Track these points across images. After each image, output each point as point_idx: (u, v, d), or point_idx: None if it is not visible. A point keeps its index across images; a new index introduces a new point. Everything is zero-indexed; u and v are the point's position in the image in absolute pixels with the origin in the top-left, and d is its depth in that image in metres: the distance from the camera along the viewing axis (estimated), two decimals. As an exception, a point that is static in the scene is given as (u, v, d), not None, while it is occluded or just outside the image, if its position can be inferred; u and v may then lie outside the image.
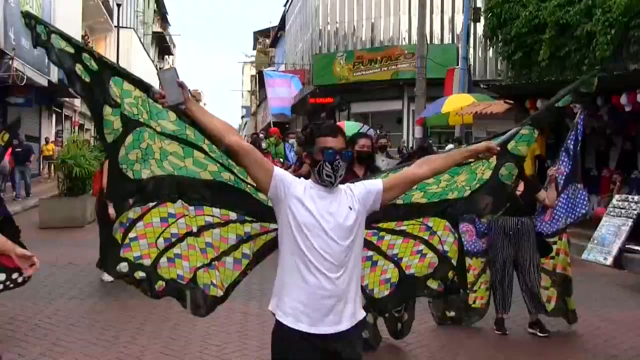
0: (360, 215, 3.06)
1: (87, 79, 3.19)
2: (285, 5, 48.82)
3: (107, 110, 3.25)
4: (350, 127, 18.11)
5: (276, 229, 3.20)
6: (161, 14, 59.65)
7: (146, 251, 3.39)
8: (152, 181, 3.34)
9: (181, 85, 2.97)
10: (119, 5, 27.31)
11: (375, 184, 3.15)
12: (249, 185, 3.37)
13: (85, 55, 3.18)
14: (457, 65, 20.67)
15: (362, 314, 3.08)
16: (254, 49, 66.36)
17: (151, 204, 3.38)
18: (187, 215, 3.42)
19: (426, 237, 3.80)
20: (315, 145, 3.04)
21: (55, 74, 24.57)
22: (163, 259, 3.42)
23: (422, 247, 3.81)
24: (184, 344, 5.84)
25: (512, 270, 6.44)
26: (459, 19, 25.48)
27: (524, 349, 6.14)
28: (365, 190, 3.11)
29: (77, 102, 31.72)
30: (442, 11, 29.62)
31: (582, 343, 6.35)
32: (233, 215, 3.46)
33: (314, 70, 31.69)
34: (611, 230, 10.39)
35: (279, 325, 2.98)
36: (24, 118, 24.61)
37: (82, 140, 17.15)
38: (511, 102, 14.30)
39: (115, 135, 3.27)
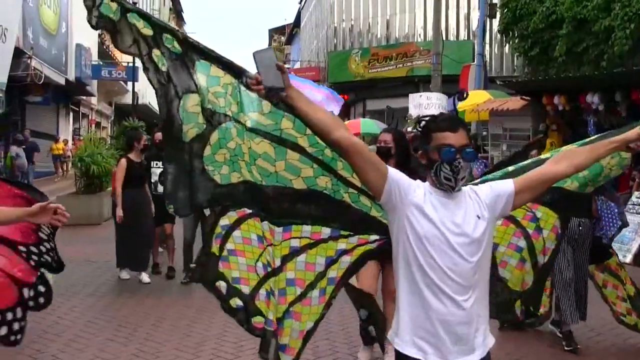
0: (489, 225, 2.59)
1: (164, 67, 2.80)
2: (300, 3, 48.83)
3: (191, 100, 2.85)
4: (366, 124, 18.12)
5: (377, 240, 2.92)
6: (176, 12, 59.85)
7: (245, 274, 2.98)
8: (244, 185, 2.92)
9: (280, 69, 2.58)
10: (134, 4, 27.39)
11: (505, 186, 2.66)
12: (350, 190, 2.96)
13: (167, 36, 2.79)
14: (473, 61, 20.56)
15: (492, 340, 2.65)
16: (269, 46, 66.47)
17: (248, 210, 2.95)
18: (273, 244, 2.99)
19: (530, 231, 3.36)
20: (431, 142, 2.56)
21: (72, 72, 24.77)
22: (262, 291, 3.01)
23: (522, 243, 3.37)
24: (200, 341, 5.86)
25: (576, 275, 5.71)
26: (475, 15, 25.35)
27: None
28: (493, 194, 2.63)
29: (94, 100, 31.96)
30: (457, 7, 29.48)
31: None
32: (326, 232, 3.02)
33: (329, 67, 31.70)
34: (631, 228, 10.29)
35: (399, 356, 2.57)
36: (41, 116, 24.93)
37: (98, 138, 17.28)
38: (528, 98, 14.19)
39: (198, 130, 2.86)
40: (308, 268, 3.00)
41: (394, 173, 2.56)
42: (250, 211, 2.93)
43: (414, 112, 14.72)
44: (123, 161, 8.25)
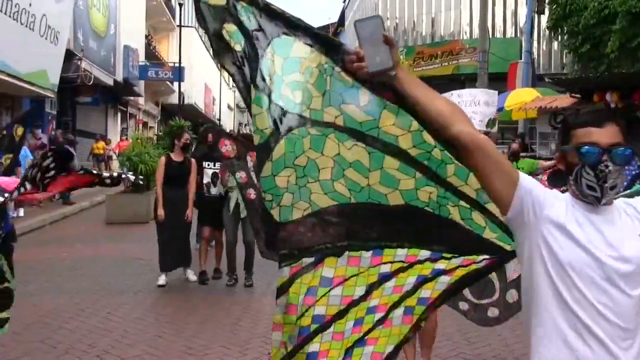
0: None
1: (239, 46, 2.19)
2: (344, 2, 48.78)
3: (254, 95, 2.22)
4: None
5: (485, 259, 2.37)
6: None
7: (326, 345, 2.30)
8: (314, 219, 2.26)
9: (389, 42, 2.05)
10: (180, 5, 27.81)
11: None
12: (460, 204, 2.33)
13: (242, 4, 2.17)
14: (520, 59, 20.21)
15: None
16: (313, 46, 66.53)
17: (308, 260, 2.25)
18: (358, 273, 2.33)
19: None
20: (570, 141, 1.99)
21: (120, 73, 25.27)
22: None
23: None
24: (246, 339, 5.88)
25: None
26: (522, 12, 24.92)
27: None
28: None
29: (141, 100, 32.52)
30: (504, 4, 29.05)
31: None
32: (424, 254, 2.39)
33: (374, 66, 31.62)
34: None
35: None
36: (91, 117, 25.48)
37: (146, 138, 17.56)
38: (578, 95, 13.89)
39: (261, 139, 2.23)
40: (395, 291, 2.40)
41: (527, 180, 2.02)
42: (312, 259, 2.25)
43: None
44: (162, 159, 8.19)
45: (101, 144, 24.58)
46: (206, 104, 44.53)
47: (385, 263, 2.36)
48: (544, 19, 21.28)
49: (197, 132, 12.69)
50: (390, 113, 2.24)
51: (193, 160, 8.13)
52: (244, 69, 2.22)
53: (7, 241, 4.76)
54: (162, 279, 7.90)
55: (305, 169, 2.24)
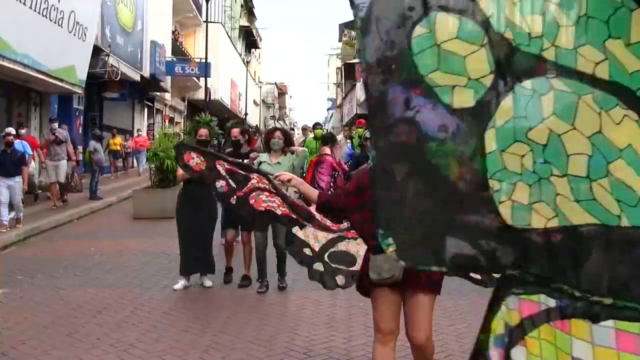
0: None
1: None
2: (369, -4, 48.51)
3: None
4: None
5: None
6: (248, 8, 60.64)
7: None
8: (564, 235, 1.43)
9: None
10: (207, 1, 27.88)
11: None
12: None
13: None
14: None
15: None
16: (339, 41, 66.40)
17: (551, 304, 1.48)
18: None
19: None
20: None
21: (147, 69, 25.46)
22: None
23: None
24: (273, 334, 5.87)
25: None
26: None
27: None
28: None
29: (168, 96, 32.74)
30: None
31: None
32: None
33: (399, 60, 31.39)
34: None
35: None
36: (118, 112, 25.70)
37: (172, 133, 17.64)
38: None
39: (475, 94, 1.53)
40: None
41: None
42: (560, 304, 1.47)
43: None
44: None
45: (118, 139, 23.22)
46: (232, 99, 44.68)
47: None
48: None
49: (224, 127, 12.70)
50: None
51: None
52: None
53: None
54: (180, 283, 7.53)
55: (547, 151, 1.44)
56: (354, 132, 16.48)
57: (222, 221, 8.35)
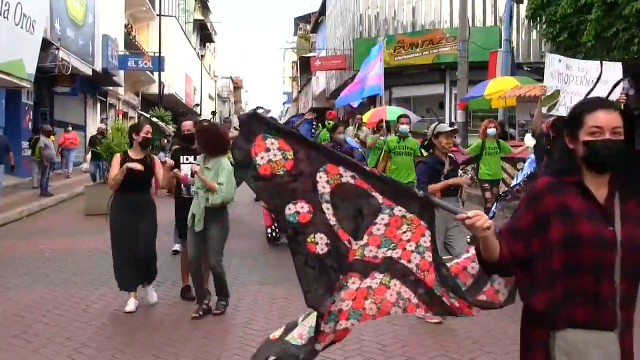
0: None
1: None
2: (325, -10, 48.57)
3: None
4: (392, 112, 18.02)
5: None
6: (202, 1, 59.99)
7: None
8: None
9: None
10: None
11: None
12: None
13: None
14: (500, 47, 20.27)
15: None
16: (294, 34, 66.33)
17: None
18: None
19: None
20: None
21: (99, 63, 25.01)
22: None
23: None
24: (226, 331, 5.89)
25: None
26: (501, 1, 24.96)
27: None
28: None
29: (121, 90, 32.24)
30: (484, -7, 29.06)
31: None
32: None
33: (355, 55, 31.47)
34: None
35: None
36: (69, 107, 25.16)
37: (125, 128, 17.37)
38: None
39: None
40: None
41: None
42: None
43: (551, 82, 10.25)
44: (116, 157, 6.64)
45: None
46: (187, 93, 44.26)
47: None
48: (523, 7, 21.34)
49: (177, 122, 12.56)
50: None
51: (156, 158, 6.84)
52: None
53: None
54: (131, 304, 6.44)
55: None
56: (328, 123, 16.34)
57: (176, 230, 7.94)
